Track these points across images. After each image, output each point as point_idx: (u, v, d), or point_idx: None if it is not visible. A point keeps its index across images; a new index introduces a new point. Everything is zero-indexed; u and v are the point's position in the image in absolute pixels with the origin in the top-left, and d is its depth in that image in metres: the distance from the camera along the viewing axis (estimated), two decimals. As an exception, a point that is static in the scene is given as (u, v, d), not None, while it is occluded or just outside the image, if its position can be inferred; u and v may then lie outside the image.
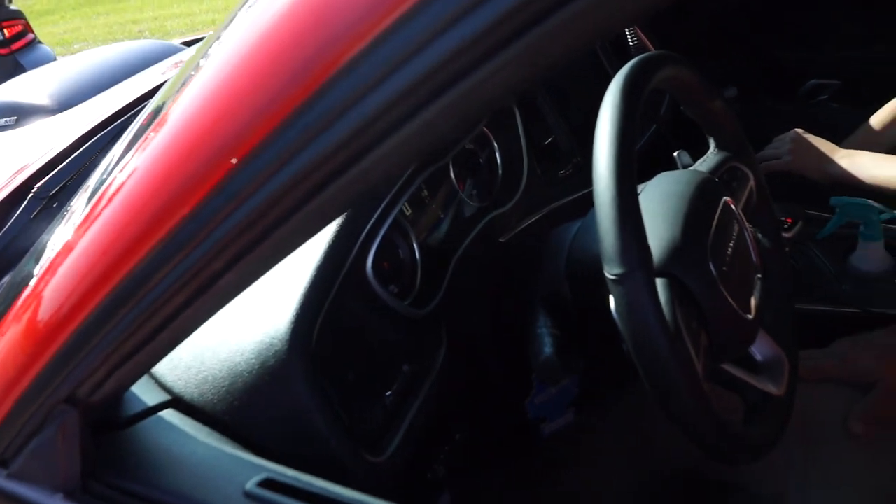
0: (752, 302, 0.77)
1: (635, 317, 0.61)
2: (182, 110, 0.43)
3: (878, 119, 1.42)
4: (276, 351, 0.65)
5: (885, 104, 1.45)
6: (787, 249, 1.16)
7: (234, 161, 0.38)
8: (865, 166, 1.24)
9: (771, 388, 0.81)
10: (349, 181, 0.36)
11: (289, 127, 0.36)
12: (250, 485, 0.51)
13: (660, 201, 0.75)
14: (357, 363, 0.74)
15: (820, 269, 1.19)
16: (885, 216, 1.15)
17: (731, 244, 0.76)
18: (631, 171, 0.63)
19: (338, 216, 0.42)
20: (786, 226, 1.15)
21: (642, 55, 0.72)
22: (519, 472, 1.01)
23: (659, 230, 0.72)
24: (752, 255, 0.80)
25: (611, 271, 0.62)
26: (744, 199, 0.88)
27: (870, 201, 1.16)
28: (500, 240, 1.01)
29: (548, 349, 0.76)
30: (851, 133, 1.45)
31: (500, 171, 1.00)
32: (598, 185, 0.63)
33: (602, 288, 0.64)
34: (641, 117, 1.32)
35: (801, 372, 0.92)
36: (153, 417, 0.64)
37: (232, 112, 0.39)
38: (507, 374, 0.91)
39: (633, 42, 1.11)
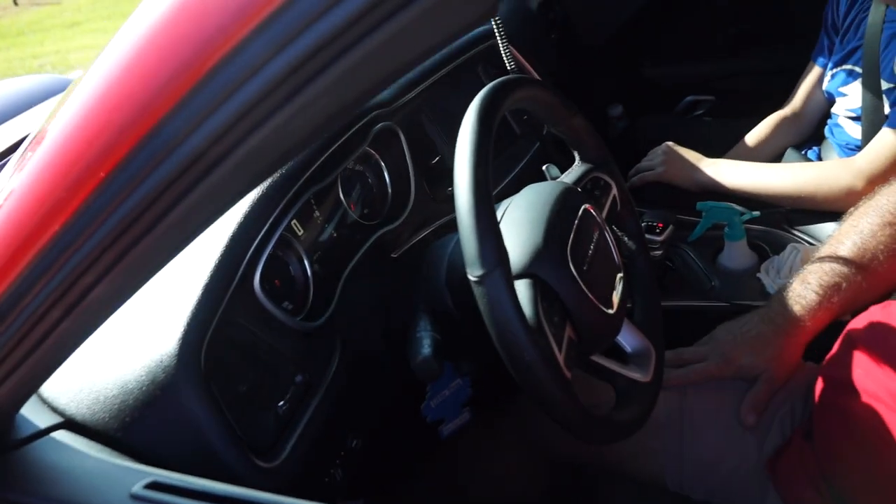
0: (614, 298, 0.85)
1: (496, 313, 0.68)
2: (55, 129, 0.47)
3: (752, 137, 1.56)
4: (166, 366, 0.68)
5: (753, 116, 1.60)
6: (659, 251, 1.26)
7: (101, 175, 0.42)
8: (727, 173, 1.37)
9: (638, 376, 0.89)
10: (195, 201, 0.41)
11: (140, 151, 0.40)
12: (136, 487, 0.55)
13: (524, 210, 0.83)
14: (249, 375, 0.78)
15: (692, 268, 1.30)
16: (745, 217, 1.26)
17: (591, 246, 0.84)
18: (486, 183, 0.70)
19: (189, 236, 0.46)
20: (658, 230, 1.25)
21: (498, 79, 0.80)
22: (424, 472, 1.06)
23: (522, 236, 0.79)
24: (614, 255, 0.89)
25: (473, 273, 0.68)
26: (607, 206, 0.97)
27: (732, 204, 1.27)
28: (393, 255, 1.07)
29: (426, 350, 0.82)
30: (725, 143, 1.59)
31: (389, 190, 1.06)
32: (458, 197, 0.70)
33: None
34: (527, 136, 1.41)
35: (694, 376, 1.00)
36: (46, 438, 0.66)
37: (96, 128, 0.44)
38: (404, 381, 0.97)
39: (510, 66, 1.20)
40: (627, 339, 0.93)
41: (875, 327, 0.86)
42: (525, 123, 1.39)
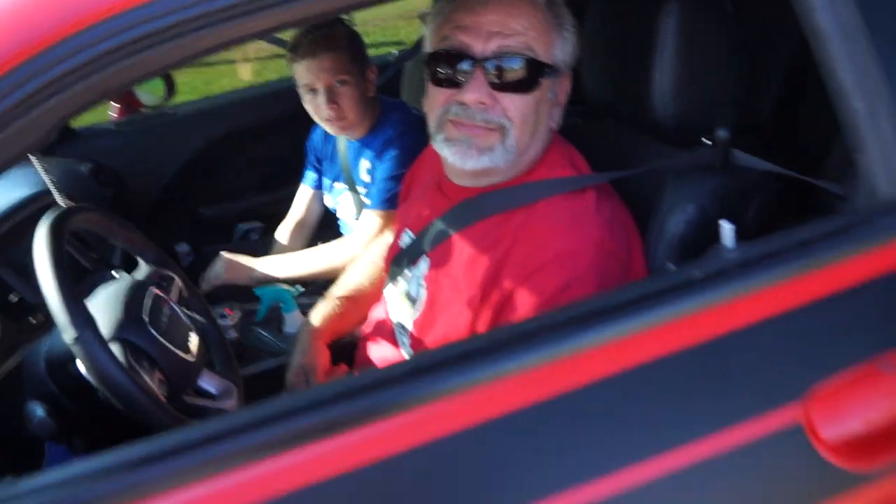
0: (192, 347, 1.14)
1: (96, 363, 0.91)
2: None
3: (283, 239, 2.02)
4: None
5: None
6: (235, 334, 1.59)
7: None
8: (274, 267, 1.79)
9: (226, 405, 1.18)
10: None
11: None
12: None
13: (104, 299, 1.08)
14: None
15: (265, 340, 1.65)
16: (294, 293, 1.67)
17: (164, 317, 1.12)
18: (63, 272, 0.94)
19: None
20: (228, 317, 1.58)
21: (60, 209, 1.05)
22: None
23: (106, 315, 1.03)
24: (184, 320, 1.18)
25: (69, 336, 0.91)
26: (176, 292, 1.26)
27: (281, 286, 1.68)
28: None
29: (39, 412, 0.99)
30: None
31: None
32: (44, 286, 0.92)
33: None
34: (99, 271, 1.62)
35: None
36: None
37: None
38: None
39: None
40: (213, 384, 1.22)
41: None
42: (93, 260, 1.61)
